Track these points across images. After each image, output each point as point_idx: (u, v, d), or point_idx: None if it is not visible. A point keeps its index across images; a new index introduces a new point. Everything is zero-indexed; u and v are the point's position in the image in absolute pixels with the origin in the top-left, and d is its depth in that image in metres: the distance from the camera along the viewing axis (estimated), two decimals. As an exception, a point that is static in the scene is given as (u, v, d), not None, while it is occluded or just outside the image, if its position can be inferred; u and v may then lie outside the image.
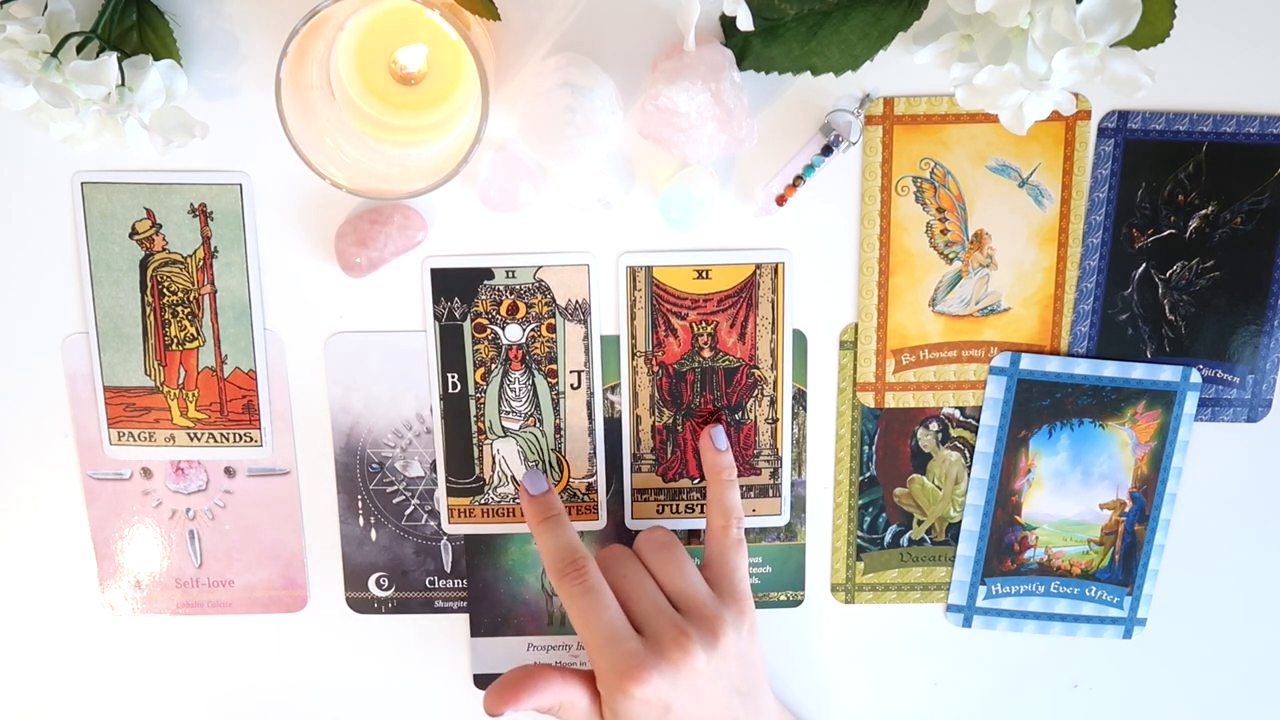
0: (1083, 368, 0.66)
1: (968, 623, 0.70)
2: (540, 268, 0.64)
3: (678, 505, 0.68)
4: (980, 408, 0.67)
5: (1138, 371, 0.66)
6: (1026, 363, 0.66)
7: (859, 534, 0.69)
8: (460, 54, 0.57)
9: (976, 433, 0.67)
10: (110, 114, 0.55)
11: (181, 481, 0.68)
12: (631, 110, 0.61)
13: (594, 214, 0.63)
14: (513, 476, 0.67)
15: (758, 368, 0.66)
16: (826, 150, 0.62)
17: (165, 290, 0.64)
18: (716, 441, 0.64)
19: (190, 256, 0.64)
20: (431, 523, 0.68)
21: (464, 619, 0.70)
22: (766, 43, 0.59)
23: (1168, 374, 0.66)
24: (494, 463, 0.67)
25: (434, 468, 0.67)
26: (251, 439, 0.67)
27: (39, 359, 0.66)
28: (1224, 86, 0.62)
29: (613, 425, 0.67)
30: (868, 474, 0.68)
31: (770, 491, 0.68)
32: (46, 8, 0.55)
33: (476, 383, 0.66)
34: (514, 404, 0.66)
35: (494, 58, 0.59)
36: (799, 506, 0.68)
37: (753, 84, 0.61)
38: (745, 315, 0.65)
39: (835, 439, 0.67)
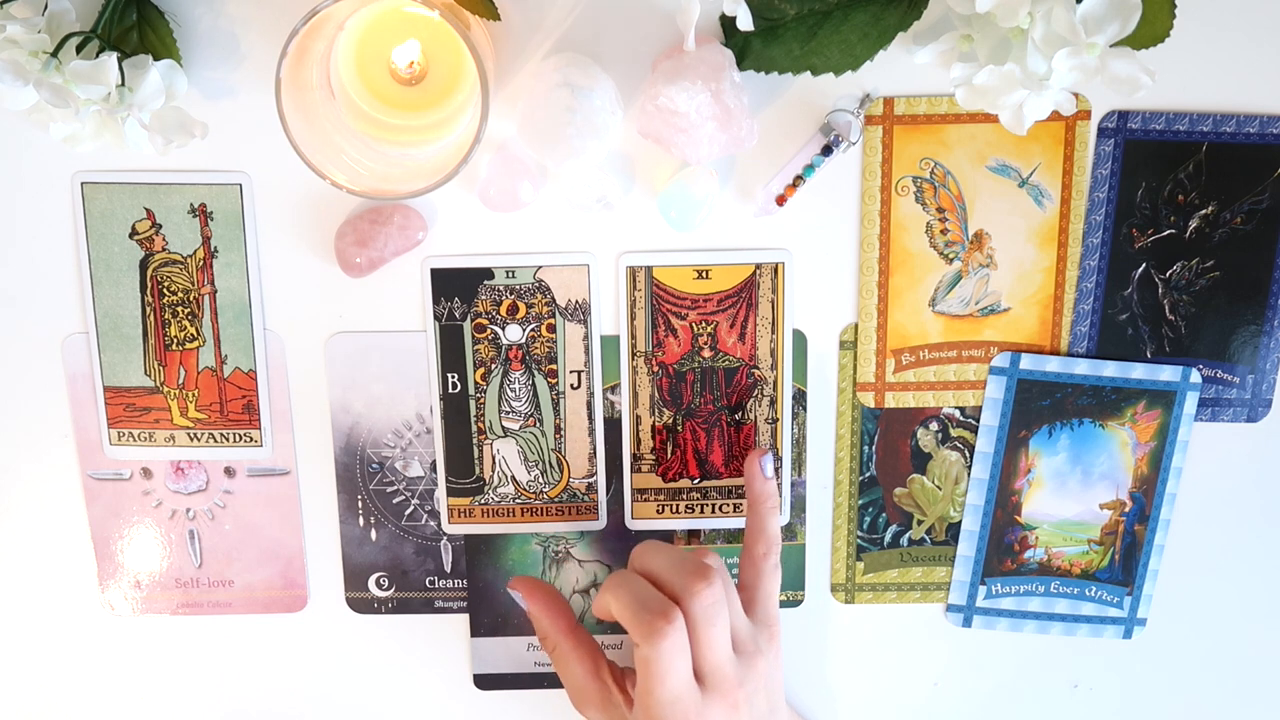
0: (1083, 368, 0.66)
1: (968, 623, 0.70)
2: (540, 268, 0.64)
3: (678, 505, 0.68)
4: (980, 408, 0.67)
5: (1138, 371, 0.66)
6: (1026, 363, 0.66)
7: (859, 534, 0.69)
8: (460, 54, 0.57)
9: (976, 433, 0.67)
10: (110, 114, 0.55)
11: (181, 481, 0.68)
12: (631, 110, 0.61)
13: (594, 214, 0.63)
14: (496, 473, 0.67)
15: (758, 368, 0.66)
16: (826, 150, 0.62)
17: (165, 290, 0.64)
18: (765, 469, 0.64)
19: (190, 256, 0.64)
20: (431, 523, 0.68)
21: (464, 619, 0.70)
22: (766, 43, 0.59)
23: (1168, 374, 0.66)
24: (494, 463, 0.67)
25: (434, 468, 0.67)
26: (251, 439, 0.67)
27: (39, 359, 0.66)
28: (1224, 86, 0.62)
29: (613, 425, 0.67)
30: (868, 474, 0.68)
31: (770, 491, 0.68)
32: (46, 8, 0.55)
33: (476, 383, 0.66)
34: (514, 404, 0.66)
35: (494, 58, 0.59)
36: (799, 506, 0.68)
37: (753, 84, 0.61)
38: (745, 315, 0.65)
39: (835, 439, 0.67)
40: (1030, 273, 0.65)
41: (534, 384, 0.66)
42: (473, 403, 0.66)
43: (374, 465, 0.67)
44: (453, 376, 0.66)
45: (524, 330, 0.65)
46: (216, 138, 0.61)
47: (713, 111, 0.57)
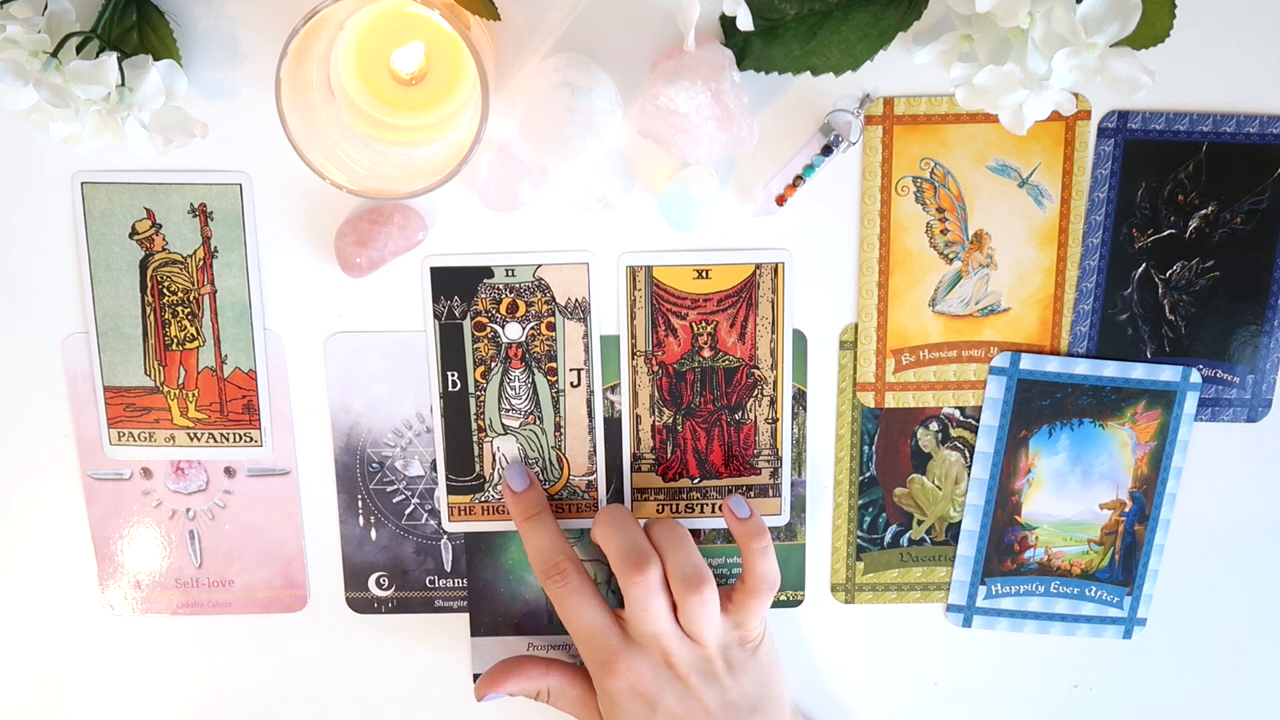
0: (1083, 368, 0.66)
1: (968, 623, 0.70)
2: (540, 266, 0.64)
3: (678, 505, 0.68)
4: (980, 408, 0.67)
5: (1138, 371, 0.66)
6: (1026, 363, 0.66)
7: (859, 534, 0.69)
8: (460, 54, 0.57)
9: (976, 433, 0.67)
10: (110, 114, 0.55)
11: (181, 481, 0.68)
12: (631, 110, 0.61)
13: (594, 214, 0.63)
14: (497, 472, 0.67)
15: (758, 368, 0.66)
16: (826, 150, 0.62)
17: (165, 290, 0.64)
18: (737, 511, 0.64)
19: (190, 256, 0.64)
20: (431, 522, 0.68)
21: (464, 618, 0.70)
22: (766, 43, 0.59)
23: (1168, 374, 0.66)
24: (494, 461, 0.67)
25: (434, 466, 0.67)
26: (251, 439, 0.67)
27: (39, 359, 0.66)
28: (1224, 86, 0.62)
29: (613, 425, 0.67)
30: (868, 474, 0.68)
31: (770, 491, 0.68)
32: (46, 8, 0.55)
33: (476, 381, 0.66)
34: (514, 402, 0.66)
35: (494, 58, 0.59)
36: (799, 506, 0.68)
37: (753, 84, 0.61)
38: (745, 315, 0.65)
39: (835, 439, 0.67)
40: (1030, 273, 0.65)
41: (534, 382, 0.66)
42: (472, 401, 0.66)
43: (374, 465, 0.67)
44: (452, 375, 0.66)
45: (524, 328, 0.65)
46: (216, 138, 0.61)
47: (713, 111, 0.57)
